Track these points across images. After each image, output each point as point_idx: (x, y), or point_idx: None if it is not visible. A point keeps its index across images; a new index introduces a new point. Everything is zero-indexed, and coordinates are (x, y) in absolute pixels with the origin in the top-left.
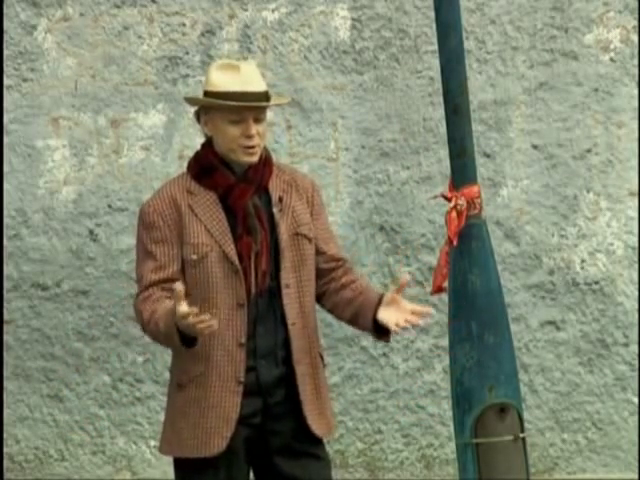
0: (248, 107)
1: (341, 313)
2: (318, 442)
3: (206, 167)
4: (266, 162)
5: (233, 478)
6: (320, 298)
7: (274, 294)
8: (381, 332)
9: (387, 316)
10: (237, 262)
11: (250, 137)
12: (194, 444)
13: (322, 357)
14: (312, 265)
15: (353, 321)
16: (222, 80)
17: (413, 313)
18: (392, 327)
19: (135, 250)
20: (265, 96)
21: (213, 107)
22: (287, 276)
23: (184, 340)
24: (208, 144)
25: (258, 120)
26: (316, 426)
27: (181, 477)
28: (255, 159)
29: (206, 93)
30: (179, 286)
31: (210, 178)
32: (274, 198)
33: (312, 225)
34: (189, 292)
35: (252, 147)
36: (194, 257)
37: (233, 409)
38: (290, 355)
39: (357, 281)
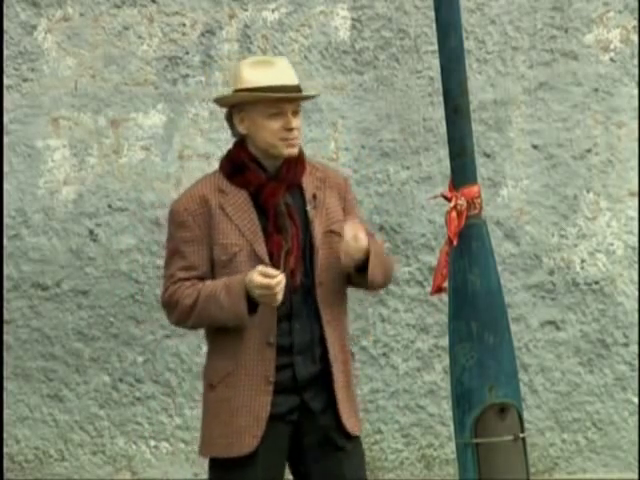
0: (287, 100)
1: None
2: (353, 438)
3: (238, 165)
4: (299, 160)
5: (267, 476)
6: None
7: (308, 291)
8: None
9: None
10: (268, 261)
11: (291, 130)
12: (225, 444)
13: (352, 354)
14: None
15: (350, 277)
16: (256, 76)
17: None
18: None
19: (165, 247)
20: (299, 89)
21: (249, 103)
22: (320, 274)
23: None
24: (240, 143)
25: (296, 113)
26: (349, 423)
27: (215, 476)
28: (296, 151)
29: (238, 91)
30: (262, 268)
31: (242, 176)
32: (308, 196)
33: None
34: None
35: (293, 139)
36: (224, 258)
37: (263, 408)
38: (326, 352)
39: None
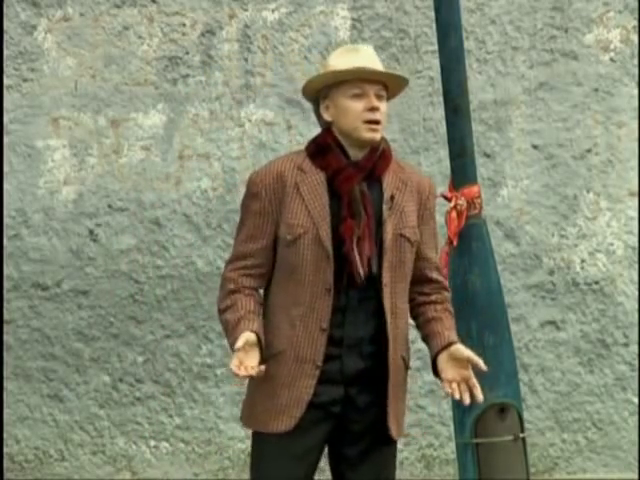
0: (370, 80)
1: (418, 327)
2: (392, 441)
3: (322, 146)
4: (383, 154)
5: (304, 459)
6: (408, 302)
7: (369, 288)
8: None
9: (444, 367)
10: (330, 247)
11: (373, 110)
12: (264, 419)
13: (405, 360)
14: (409, 268)
15: (425, 341)
16: (341, 60)
17: (469, 361)
18: (445, 386)
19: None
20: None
21: (333, 88)
22: (385, 275)
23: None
24: (327, 129)
25: (379, 97)
26: (393, 426)
27: (255, 448)
28: (378, 136)
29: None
30: (262, 368)
31: (323, 158)
32: (386, 195)
33: (417, 229)
34: (282, 270)
35: (376, 122)
36: (288, 237)
37: (306, 391)
38: (378, 351)
39: (444, 303)
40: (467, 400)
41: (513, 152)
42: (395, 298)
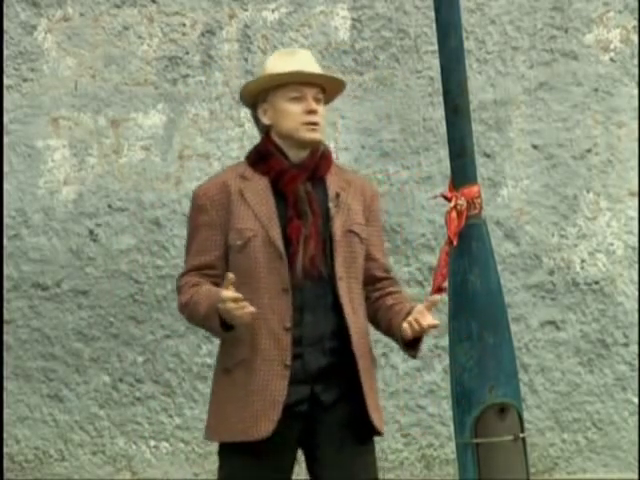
0: (308, 84)
1: (380, 321)
2: (367, 437)
3: (262, 153)
4: (323, 155)
5: (278, 464)
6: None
7: (324, 285)
8: (409, 344)
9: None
10: (282, 247)
11: (312, 112)
12: (242, 428)
13: (372, 355)
14: (361, 264)
15: (388, 329)
16: (279, 64)
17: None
18: (404, 326)
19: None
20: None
21: (271, 92)
22: (340, 269)
23: (223, 325)
24: (266, 135)
25: (317, 100)
26: (374, 417)
27: (226, 462)
28: (318, 136)
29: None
30: (231, 275)
31: (265, 164)
32: (331, 193)
33: (365, 227)
34: (236, 276)
35: (315, 123)
36: (239, 242)
37: (279, 393)
38: (341, 346)
39: (401, 292)
40: (422, 324)
41: (513, 152)
42: (352, 293)
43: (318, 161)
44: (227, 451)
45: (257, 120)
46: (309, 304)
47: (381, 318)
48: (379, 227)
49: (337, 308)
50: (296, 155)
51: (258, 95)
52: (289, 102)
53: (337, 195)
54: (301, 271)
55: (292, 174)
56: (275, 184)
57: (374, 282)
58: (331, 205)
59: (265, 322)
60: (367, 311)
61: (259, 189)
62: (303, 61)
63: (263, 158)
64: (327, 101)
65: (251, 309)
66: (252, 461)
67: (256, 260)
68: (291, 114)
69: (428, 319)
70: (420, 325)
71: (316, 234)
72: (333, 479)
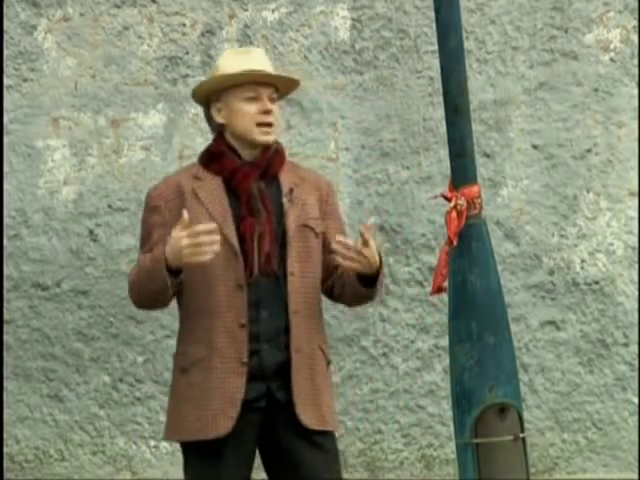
0: (263, 84)
1: (347, 290)
2: (326, 433)
3: (214, 154)
4: (276, 152)
5: (239, 461)
6: (332, 289)
7: (278, 281)
8: (367, 283)
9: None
10: (236, 244)
11: (267, 113)
12: (200, 427)
13: (323, 351)
14: (318, 259)
15: (351, 289)
16: (233, 63)
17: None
18: (334, 244)
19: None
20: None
21: (225, 91)
22: (292, 264)
23: (169, 271)
24: (219, 135)
25: (272, 100)
26: (306, 416)
27: (188, 462)
28: (271, 139)
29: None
30: (185, 214)
31: (217, 163)
32: (284, 189)
33: (321, 221)
34: (190, 274)
35: (269, 125)
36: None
37: (237, 390)
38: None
39: None
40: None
41: (513, 152)
42: (306, 288)
43: (270, 158)
44: (188, 451)
45: (210, 119)
46: (264, 300)
47: (347, 288)
48: (338, 219)
49: (286, 305)
50: (249, 154)
51: (211, 94)
52: (244, 102)
53: (291, 190)
54: (257, 268)
55: (244, 172)
56: (228, 183)
57: (336, 272)
58: (285, 200)
59: (221, 319)
60: (336, 290)
61: (212, 188)
62: (258, 60)
63: (215, 158)
64: (279, 99)
65: (215, 247)
66: (213, 460)
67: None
68: (246, 114)
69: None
70: (345, 245)
71: (270, 231)
72: (292, 475)
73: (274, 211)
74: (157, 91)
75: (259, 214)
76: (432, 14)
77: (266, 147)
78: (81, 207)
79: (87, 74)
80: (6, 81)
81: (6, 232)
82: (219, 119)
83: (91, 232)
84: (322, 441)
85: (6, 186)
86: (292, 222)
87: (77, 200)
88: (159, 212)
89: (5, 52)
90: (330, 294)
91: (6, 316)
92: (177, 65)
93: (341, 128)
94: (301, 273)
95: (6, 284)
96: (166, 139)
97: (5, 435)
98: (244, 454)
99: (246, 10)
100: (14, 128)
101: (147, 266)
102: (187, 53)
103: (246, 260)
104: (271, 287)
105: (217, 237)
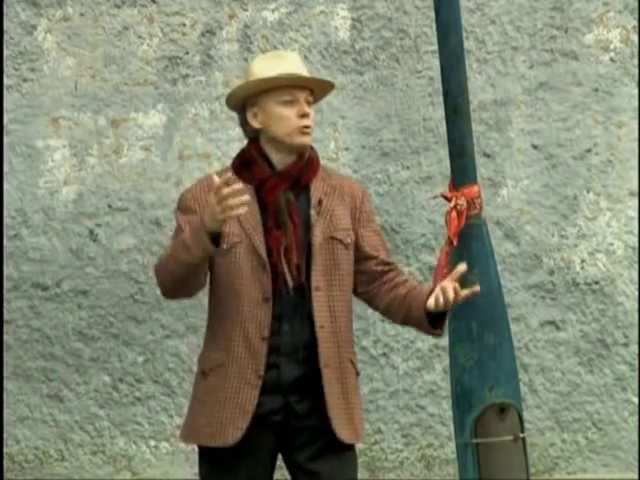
0: (299, 87)
1: (396, 311)
2: (346, 447)
3: (246, 161)
4: (309, 161)
5: (251, 473)
6: (373, 300)
7: (303, 294)
8: (435, 323)
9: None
10: (265, 256)
11: (305, 116)
12: (209, 432)
13: (353, 363)
14: (348, 270)
15: (407, 317)
16: (267, 67)
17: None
18: (431, 301)
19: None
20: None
21: (261, 95)
22: (318, 278)
23: (213, 241)
24: (252, 141)
25: (309, 103)
26: (342, 430)
27: (203, 465)
28: (309, 141)
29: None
30: (215, 177)
31: (249, 171)
32: (313, 200)
33: (352, 231)
34: (218, 281)
35: (307, 127)
36: (223, 246)
37: (250, 402)
38: (315, 357)
39: (410, 280)
40: (448, 296)
41: (513, 152)
42: (333, 301)
43: (302, 168)
44: (202, 454)
45: (245, 124)
46: (287, 314)
47: (397, 308)
48: (373, 226)
49: (312, 319)
50: (281, 161)
51: (247, 99)
52: (282, 106)
53: (319, 202)
54: (286, 282)
55: (273, 183)
56: (258, 192)
57: (378, 278)
58: (312, 212)
59: (243, 330)
60: (380, 305)
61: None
62: (293, 64)
63: (246, 165)
64: (314, 102)
65: (244, 198)
66: (224, 467)
67: (239, 267)
68: (285, 118)
69: (455, 289)
70: (446, 295)
71: (296, 244)
72: None
73: (301, 223)
74: (157, 91)
75: (285, 227)
76: (432, 14)
77: (300, 154)
78: (81, 207)
79: (87, 74)
80: (6, 81)
81: (6, 232)
82: (255, 124)
83: (91, 232)
84: (349, 453)
85: (6, 186)
86: (318, 235)
87: (77, 200)
88: (192, 212)
89: (5, 52)
90: (371, 303)
91: (6, 316)
92: (177, 65)
93: (341, 128)
94: (327, 287)
95: (6, 284)
96: (166, 139)
97: (5, 435)
98: (256, 466)
99: (246, 10)
100: (14, 128)
101: (185, 239)
102: (187, 53)
103: (273, 272)
104: (295, 300)
105: (246, 197)
